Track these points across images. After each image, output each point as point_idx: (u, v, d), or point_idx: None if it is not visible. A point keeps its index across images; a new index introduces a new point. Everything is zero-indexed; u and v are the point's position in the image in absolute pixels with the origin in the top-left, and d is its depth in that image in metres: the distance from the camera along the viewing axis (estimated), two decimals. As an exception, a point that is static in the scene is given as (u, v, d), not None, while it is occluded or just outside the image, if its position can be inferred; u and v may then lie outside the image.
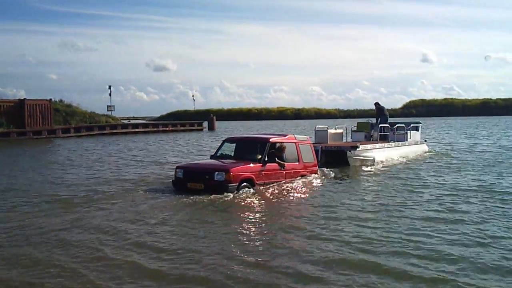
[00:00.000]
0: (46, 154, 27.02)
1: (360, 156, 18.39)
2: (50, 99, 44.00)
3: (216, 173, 12.03)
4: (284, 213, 10.32)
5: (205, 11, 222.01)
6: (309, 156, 14.95)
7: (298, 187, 13.24)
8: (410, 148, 21.97)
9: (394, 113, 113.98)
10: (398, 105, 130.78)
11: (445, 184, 13.75)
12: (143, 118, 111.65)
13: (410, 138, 22.27)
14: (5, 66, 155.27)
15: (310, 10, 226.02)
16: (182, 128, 56.85)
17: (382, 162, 18.87)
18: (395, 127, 21.64)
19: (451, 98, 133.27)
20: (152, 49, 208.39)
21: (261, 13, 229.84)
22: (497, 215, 9.62)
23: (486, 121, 74.39)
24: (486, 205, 10.64)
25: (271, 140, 13.68)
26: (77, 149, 28.50)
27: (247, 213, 10.22)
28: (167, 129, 54.90)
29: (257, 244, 7.88)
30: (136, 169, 18.07)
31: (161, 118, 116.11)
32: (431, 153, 22.78)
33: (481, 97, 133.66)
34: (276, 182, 13.22)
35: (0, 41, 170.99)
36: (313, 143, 18.33)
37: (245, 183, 12.28)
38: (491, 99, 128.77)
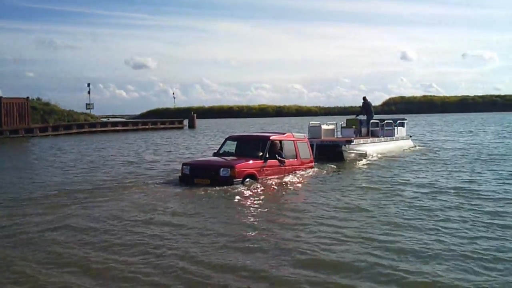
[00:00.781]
0: (22, 153, 26.52)
1: (354, 150, 19.50)
2: (28, 97, 43.23)
3: (222, 169, 12.84)
4: (279, 203, 11.07)
5: (184, 8, 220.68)
6: (306, 152, 15.75)
7: (294, 180, 13.98)
8: (397, 143, 23.23)
9: (375, 110, 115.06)
10: (378, 102, 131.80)
11: (426, 178, 14.13)
12: (122, 116, 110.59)
13: (397, 133, 23.61)
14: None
15: (290, 8, 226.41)
16: (162, 126, 56.46)
17: (373, 155, 19.94)
18: (384, 123, 23.05)
19: (430, 95, 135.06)
20: (131, 47, 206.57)
21: (241, 11, 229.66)
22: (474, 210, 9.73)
23: (465, 117, 75.40)
24: (463, 199, 10.77)
25: (271, 138, 14.44)
26: (54, 149, 28.03)
27: (246, 202, 11.05)
28: (147, 127, 54.46)
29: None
30: (114, 168, 17.84)
31: (141, 116, 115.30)
32: (415, 148, 24.00)
33: (459, 94, 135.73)
34: (276, 177, 13.96)
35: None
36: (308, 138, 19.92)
37: (248, 179, 13.07)
38: (469, 96, 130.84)
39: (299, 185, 13.48)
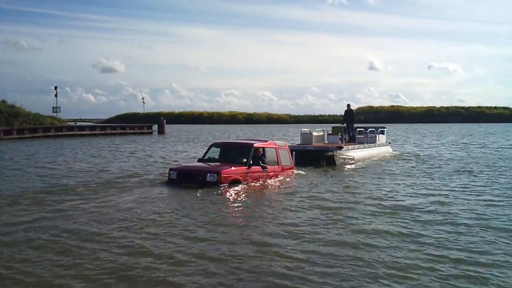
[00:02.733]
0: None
1: (343, 155, 21.15)
2: (-9, 99, 42.19)
3: (209, 174, 13.40)
4: (260, 203, 11.89)
5: (152, 12, 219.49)
6: (286, 159, 16.40)
7: (276, 184, 14.67)
8: (379, 149, 25.29)
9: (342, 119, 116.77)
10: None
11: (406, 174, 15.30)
12: (90, 121, 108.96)
13: (378, 140, 25.49)
14: None
15: (261, 15, 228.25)
16: (131, 131, 55.80)
17: (359, 160, 21.86)
18: (368, 130, 24.87)
19: (398, 106, 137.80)
20: (98, 50, 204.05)
21: (209, 17, 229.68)
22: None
23: (432, 127, 77.12)
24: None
25: (255, 145, 15.09)
26: (16, 152, 27.36)
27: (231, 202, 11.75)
28: (115, 132, 53.73)
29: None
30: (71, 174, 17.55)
31: (110, 120, 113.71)
32: (393, 153, 26.53)
33: (425, 105, 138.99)
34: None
35: None
36: (300, 144, 22.91)
37: (234, 184, 13.53)
38: (435, 107, 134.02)
39: (278, 189, 13.88)
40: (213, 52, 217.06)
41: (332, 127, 26.59)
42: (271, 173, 15.18)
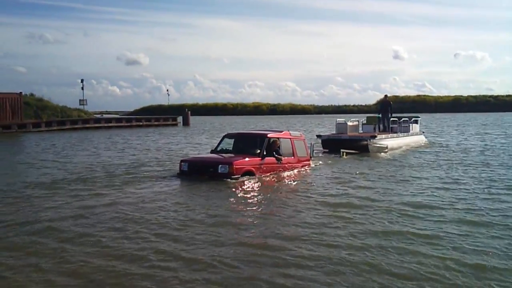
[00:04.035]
0: (12, 150, 26.33)
1: (377, 144, 22.02)
2: (20, 93, 42.96)
3: (220, 166, 13.08)
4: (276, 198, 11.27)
5: (174, 4, 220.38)
6: (302, 150, 15.97)
7: (292, 177, 14.26)
8: (413, 138, 25.95)
9: (369, 109, 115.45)
10: (372, 101, 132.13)
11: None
12: (116, 113, 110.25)
13: (412, 129, 26.12)
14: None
15: (283, 5, 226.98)
16: (156, 123, 56.29)
17: (392, 149, 22.60)
18: (401, 120, 25.65)
19: (424, 95, 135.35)
20: (122, 43, 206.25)
21: (231, 8, 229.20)
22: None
23: (459, 117, 75.69)
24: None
25: (269, 135, 14.66)
26: (45, 145, 27.85)
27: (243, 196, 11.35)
28: (141, 124, 54.26)
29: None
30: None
31: (135, 112, 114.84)
32: (427, 142, 26.84)
33: (452, 94, 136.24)
34: (273, 174, 14.15)
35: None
36: (335, 134, 24.14)
37: (246, 175, 13.18)
38: (462, 96, 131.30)
39: (295, 182, 13.55)
40: (235, 43, 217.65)
41: (367, 117, 27.58)
42: (286, 165, 14.84)
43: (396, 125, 25.18)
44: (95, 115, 58.82)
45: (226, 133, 17.57)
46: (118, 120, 55.40)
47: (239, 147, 14.81)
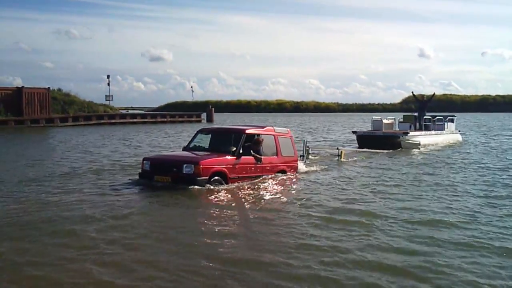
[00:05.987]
0: (39, 144, 26.92)
1: (409, 140, 23.05)
2: (48, 88, 43.84)
3: (185, 165, 11.33)
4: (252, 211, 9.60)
5: (197, 1, 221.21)
6: (288, 150, 14.08)
7: (271, 182, 12.57)
8: (447, 136, 26.78)
9: (393, 107, 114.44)
10: (397, 100, 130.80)
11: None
12: (141, 109, 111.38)
13: (447, 128, 27.01)
14: (0, 53, 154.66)
15: (307, 2, 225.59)
16: (180, 119, 56.73)
17: (425, 145, 23.51)
18: (435, 118, 26.60)
19: (450, 94, 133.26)
20: (146, 39, 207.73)
21: (254, 4, 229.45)
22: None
23: (488, 117, 74.29)
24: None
25: (247, 131, 12.86)
26: (72, 139, 28.39)
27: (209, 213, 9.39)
28: (165, 120, 54.78)
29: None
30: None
31: (160, 108, 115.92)
32: (462, 141, 27.41)
33: (479, 93, 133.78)
34: (252, 176, 12.47)
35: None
36: (370, 130, 24.97)
37: (216, 177, 11.53)
38: (490, 95, 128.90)
39: (276, 187, 12.18)
40: (258, 40, 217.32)
41: (404, 115, 28.50)
42: (267, 165, 12.99)
43: (430, 123, 26.02)
44: (120, 111, 59.55)
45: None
46: (143, 116, 56.04)
47: (215, 144, 13.07)
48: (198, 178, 11.16)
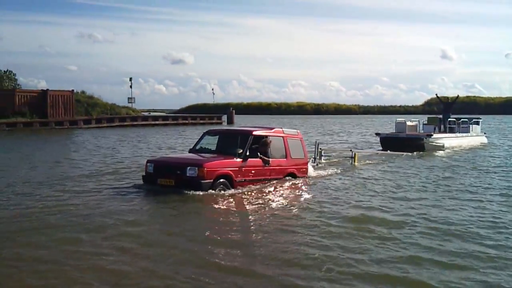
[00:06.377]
0: (62, 145, 27.37)
1: (433, 142, 23.05)
2: (72, 90, 44.48)
3: (189, 168, 10.97)
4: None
5: (218, 4, 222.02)
6: (298, 152, 13.65)
7: (278, 185, 12.32)
8: (472, 139, 26.58)
9: (415, 110, 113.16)
10: (419, 102, 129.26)
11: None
12: (162, 111, 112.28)
13: (472, 130, 26.76)
14: (25, 56, 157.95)
15: (325, 4, 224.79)
16: (201, 121, 57.04)
17: (449, 147, 23.55)
18: (460, 121, 26.24)
19: (474, 96, 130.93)
20: (168, 42, 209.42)
21: (274, 7, 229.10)
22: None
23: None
24: None
25: (254, 133, 12.51)
26: (94, 141, 28.80)
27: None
28: (187, 122, 55.16)
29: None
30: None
31: (181, 111, 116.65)
32: (487, 144, 26.99)
33: (503, 95, 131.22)
34: (259, 179, 12.15)
35: (19, 32, 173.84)
36: (393, 133, 24.97)
37: (222, 180, 11.17)
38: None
39: (285, 192, 11.87)
40: (278, 43, 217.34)
41: (428, 117, 28.56)
42: (276, 168, 12.62)
43: (455, 126, 25.74)
44: (142, 113, 60.13)
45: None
46: (164, 118, 56.51)
47: (221, 146, 12.76)
48: (202, 181, 10.79)
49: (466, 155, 21.25)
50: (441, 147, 23.17)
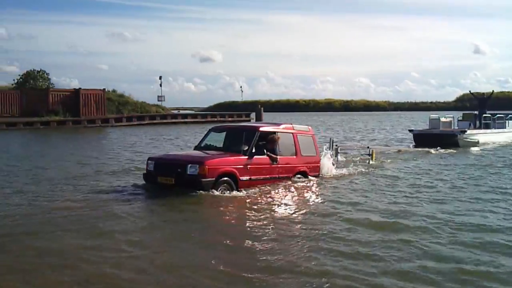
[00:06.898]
0: (92, 142, 27.95)
1: (467, 138, 22.96)
2: (104, 89, 45.39)
3: (189, 165, 10.41)
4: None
5: (245, 1, 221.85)
6: (309, 149, 13.00)
7: (286, 185, 11.70)
8: (508, 135, 26.21)
9: (447, 106, 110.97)
10: (451, 98, 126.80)
11: None
12: (191, 109, 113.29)
13: (508, 126, 26.49)
14: (57, 56, 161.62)
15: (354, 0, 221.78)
16: (230, 119, 57.28)
17: (484, 144, 23.27)
18: (496, 116, 26.25)
19: (508, 91, 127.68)
20: (196, 40, 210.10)
21: (301, 3, 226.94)
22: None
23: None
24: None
25: (261, 129, 11.94)
26: (125, 139, 29.34)
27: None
28: (216, 119, 55.50)
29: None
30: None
31: (209, 108, 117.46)
32: None
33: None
34: (266, 178, 11.61)
35: (51, 32, 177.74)
36: (427, 129, 24.80)
37: (225, 178, 10.59)
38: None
39: (294, 193, 11.27)
40: (306, 39, 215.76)
41: (463, 113, 28.36)
42: (284, 166, 12.00)
43: (490, 121, 25.63)
44: (172, 111, 60.85)
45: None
46: (193, 116, 57.06)
47: (228, 143, 12.24)
48: (203, 180, 10.19)
49: (501, 151, 20.88)
50: (476, 143, 23.03)
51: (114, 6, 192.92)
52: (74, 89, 44.15)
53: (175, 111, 65.08)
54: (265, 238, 7.54)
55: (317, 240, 7.35)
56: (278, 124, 13.01)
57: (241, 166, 10.95)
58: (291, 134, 12.55)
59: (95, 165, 16.01)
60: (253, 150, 11.32)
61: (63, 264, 6.33)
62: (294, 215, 9.25)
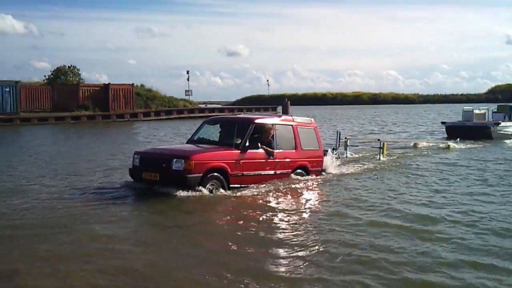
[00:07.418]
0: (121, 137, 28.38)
1: (501, 131, 22.96)
2: (132, 84, 45.99)
3: (175, 160, 9.68)
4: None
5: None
6: (311, 142, 12.15)
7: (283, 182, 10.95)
8: None
9: (478, 98, 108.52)
10: (482, 90, 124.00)
11: None
12: (218, 103, 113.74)
13: None
14: (88, 52, 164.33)
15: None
16: (256, 112, 57.39)
17: None
18: None
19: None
20: (223, 35, 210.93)
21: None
22: None
23: None
24: None
25: (255, 121, 11.14)
26: (152, 133, 29.67)
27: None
28: (242, 113, 55.58)
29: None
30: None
31: (236, 102, 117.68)
32: None
33: None
34: (261, 173, 10.86)
35: (80, 28, 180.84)
36: (460, 121, 25.02)
37: (214, 174, 9.86)
38: None
39: (293, 191, 10.58)
40: (332, 32, 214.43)
41: (498, 105, 27.90)
42: (282, 161, 11.19)
43: None
44: (199, 105, 61.21)
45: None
46: (220, 109, 57.32)
47: (222, 136, 11.44)
48: (189, 176, 9.45)
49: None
50: (510, 136, 22.93)
51: (141, 1, 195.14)
52: (104, 84, 44.86)
53: (203, 105, 65.41)
54: (256, 241, 7.06)
55: (315, 243, 6.90)
56: (278, 116, 12.45)
57: (233, 161, 10.20)
58: (291, 127, 11.74)
59: (117, 160, 15.93)
60: (247, 144, 10.57)
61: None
62: (281, 214, 8.66)
